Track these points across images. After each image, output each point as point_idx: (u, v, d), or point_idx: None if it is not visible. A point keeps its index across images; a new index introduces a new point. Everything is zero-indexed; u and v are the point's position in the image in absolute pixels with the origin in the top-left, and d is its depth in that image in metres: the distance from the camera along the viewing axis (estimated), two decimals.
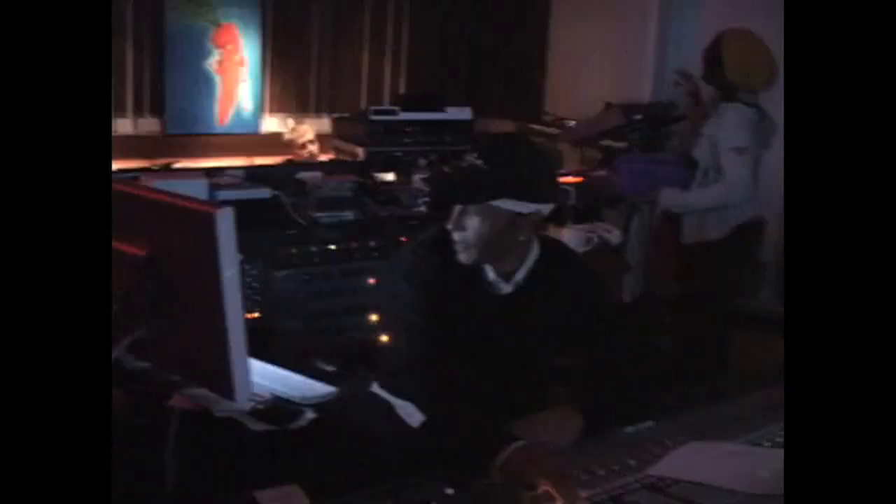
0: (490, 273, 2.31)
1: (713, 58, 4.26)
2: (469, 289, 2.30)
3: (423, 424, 2.26)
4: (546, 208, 2.27)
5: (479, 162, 2.18)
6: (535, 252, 2.33)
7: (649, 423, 2.30)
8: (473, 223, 2.21)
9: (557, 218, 2.36)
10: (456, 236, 2.24)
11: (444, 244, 2.28)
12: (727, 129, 4.12)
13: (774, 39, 4.20)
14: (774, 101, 4.25)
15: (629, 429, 2.27)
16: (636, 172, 4.45)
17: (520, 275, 2.32)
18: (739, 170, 4.10)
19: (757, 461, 2.07)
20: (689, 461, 2.10)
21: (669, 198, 4.27)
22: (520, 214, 2.22)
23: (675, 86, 5.03)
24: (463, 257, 2.26)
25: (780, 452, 2.14)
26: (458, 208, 2.23)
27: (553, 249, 2.41)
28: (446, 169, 2.26)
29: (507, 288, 2.32)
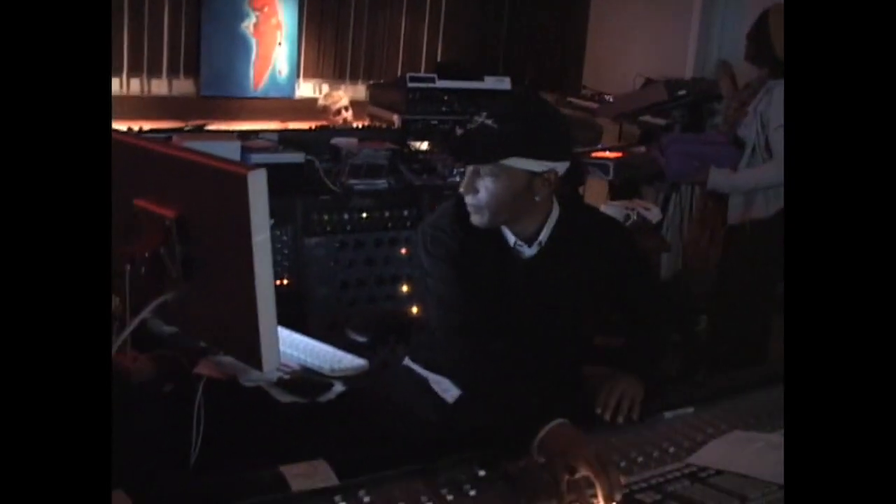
0: (510, 237, 2.25)
1: (760, 35, 4.14)
2: (492, 256, 2.23)
3: (458, 400, 2.20)
4: (561, 167, 2.19)
5: (489, 122, 2.12)
6: (555, 213, 2.27)
7: (689, 410, 2.22)
8: (486, 184, 2.14)
9: (576, 179, 2.27)
10: (469, 199, 2.18)
11: (461, 213, 2.22)
12: (777, 106, 4.00)
13: None
14: None
15: (668, 414, 2.19)
16: (684, 154, 4.34)
17: (543, 236, 2.25)
18: None
19: None
20: (732, 451, 2.01)
21: (718, 179, 4.17)
22: (534, 174, 2.15)
23: (720, 79, 4.90)
24: (476, 220, 2.19)
25: None
26: (469, 170, 2.17)
27: (575, 209, 2.35)
28: (459, 131, 2.17)
29: (529, 251, 2.26)
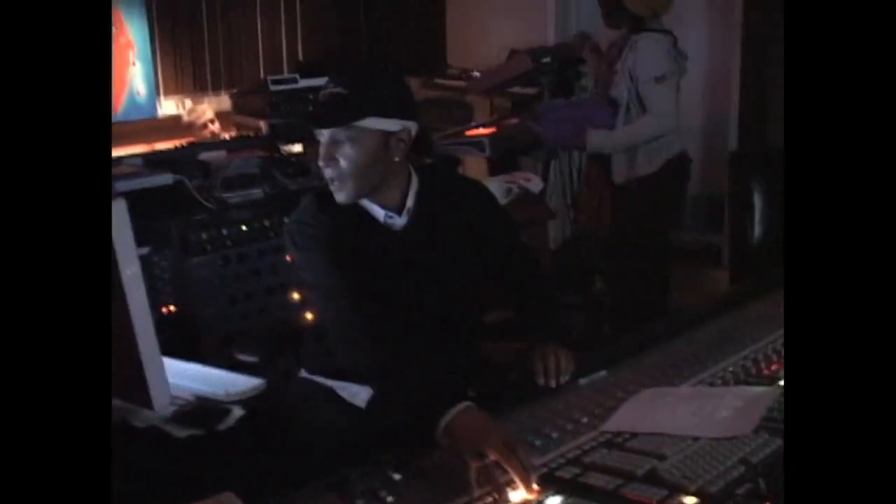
0: (378, 211, 2.21)
1: None
2: (364, 235, 2.20)
3: (370, 402, 2.14)
4: (413, 126, 2.18)
5: (337, 90, 2.11)
6: (415, 180, 2.26)
7: (602, 373, 2.20)
8: (344, 152, 2.11)
9: (425, 144, 2.26)
10: (329, 172, 2.14)
11: (322, 203, 2.20)
12: (643, 59, 4.05)
13: None
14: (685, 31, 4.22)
15: (582, 381, 2.18)
16: (560, 120, 4.35)
17: (409, 202, 2.23)
18: (662, 98, 4.05)
19: (714, 402, 1.99)
20: (643, 411, 2.00)
21: (598, 140, 4.20)
22: (389, 133, 2.14)
23: (584, 52, 4.93)
24: (341, 196, 2.16)
25: (737, 390, 2.09)
26: (325, 141, 2.13)
27: (432, 174, 2.34)
28: (312, 101, 2.14)
29: (400, 221, 2.23)
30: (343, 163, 2.12)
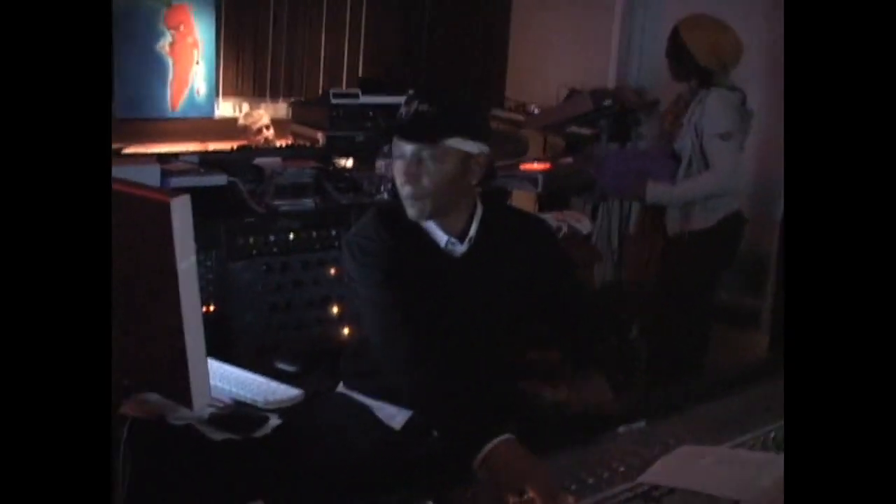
0: (441, 236, 2.21)
1: (677, 51, 4.15)
2: (424, 257, 2.20)
3: (406, 425, 2.12)
4: (488, 151, 2.20)
5: (424, 107, 2.12)
6: (480, 209, 2.26)
7: (641, 423, 2.17)
8: (428, 170, 2.11)
9: (490, 172, 2.26)
10: (408, 189, 2.14)
11: (385, 220, 2.20)
12: (711, 114, 4.00)
13: (736, 22, 4.16)
14: (750, 91, 4.17)
15: (621, 429, 2.14)
16: (620, 169, 4.32)
17: (472, 231, 2.23)
18: (726, 156, 3.99)
19: (757, 468, 1.94)
20: (682, 467, 1.96)
21: (657, 193, 4.15)
22: (469, 155, 2.15)
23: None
24: (415, 212, 2.16)
25: (780, 458, 2.04)
26: (408, 158, 2.12)
27: (497, 206, 2.35)
28: (398, 115, 2.14)
29: (461, 248, 2.22)
30: (425, 180, 2.12)
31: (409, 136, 2.12)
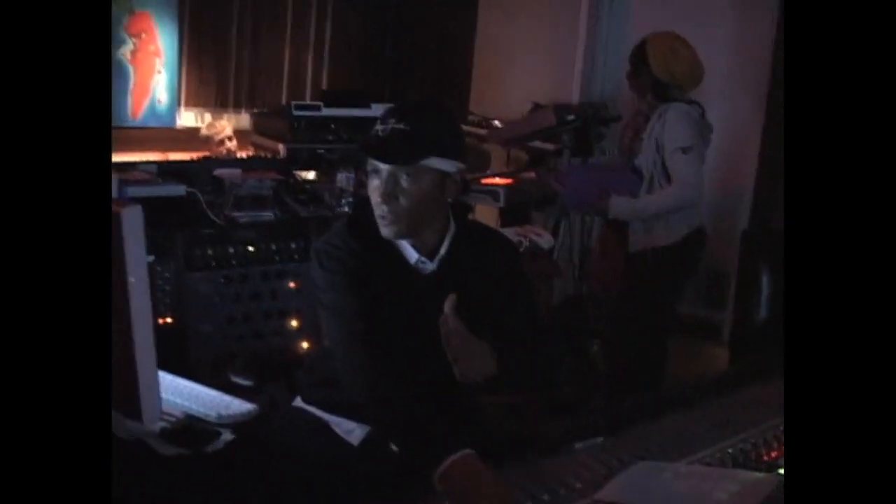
0: (412, 254, 2.19)
1: (639, 59, 4.18)
2: (392, 272, 2.18)
3: (364, 441, 2.10)
4: (463, 168, 2.18)
5: (400, 125, 2.08)
6: (452, 227, 2.24)
7: (599, 439, 2.16)
8: (405, 189, 2.09)
9: (462, 188, 2.25)
10: (384, 209, 2.11)
11: (355, 231, 2.18)
12: (671, 129, 4.02)
13: (700, 41, 4.18)
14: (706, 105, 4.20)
15: (578, 445, 2.13)
16: (583, 183, 4.33)
17: (443, 249, 2.21)
18: (689, 169, 4.01)
19: (711, 484, 1.94)
20: (639, 483, 1.96)
21: (620, 207, 4.15)
22: (445, 174, 2.14)
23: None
24: (389, 231, 2.13)
25: (735, 473, 2.04)
26: (384, 178, 2.10)
27: (468, 224, 2.33)
28: (373, 133, 2.11)
29: (431, 266, 2.21)
30: (402, 200, 2.09)
31: (385, 158, 2.09)
